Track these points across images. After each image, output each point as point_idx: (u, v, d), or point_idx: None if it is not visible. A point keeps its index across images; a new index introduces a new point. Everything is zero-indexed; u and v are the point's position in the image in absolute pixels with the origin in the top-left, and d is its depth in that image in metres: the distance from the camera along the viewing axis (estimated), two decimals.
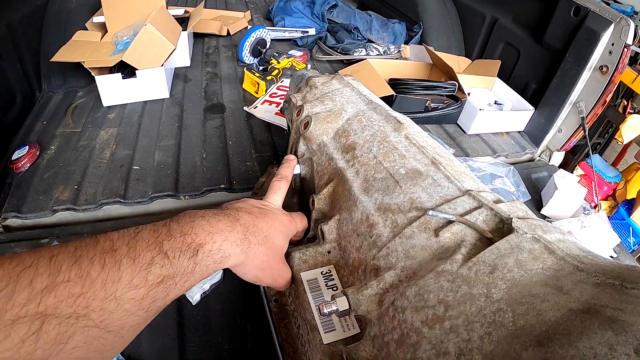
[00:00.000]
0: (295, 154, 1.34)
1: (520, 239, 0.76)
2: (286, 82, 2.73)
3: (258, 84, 2.63)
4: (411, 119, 1.34)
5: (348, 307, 0.83)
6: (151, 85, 2.51)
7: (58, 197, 1.86)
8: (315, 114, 1.29)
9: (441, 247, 0.82)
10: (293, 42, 3.53)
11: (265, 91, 2.64)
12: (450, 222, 0.85)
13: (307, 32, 3.52)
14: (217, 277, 1.55)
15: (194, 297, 1.50)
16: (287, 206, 1.52)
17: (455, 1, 3.42)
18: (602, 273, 0.66)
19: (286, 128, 2.33)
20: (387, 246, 0.89)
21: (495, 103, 2.76)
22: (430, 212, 0.86)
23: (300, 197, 1.44)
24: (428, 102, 2.49)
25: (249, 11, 3.97)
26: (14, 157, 2.00)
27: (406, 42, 3.41)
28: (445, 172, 1.01)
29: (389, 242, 0.89)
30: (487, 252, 0.75)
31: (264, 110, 2.49)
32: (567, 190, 2.00)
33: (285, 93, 2.60)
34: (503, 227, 0.83)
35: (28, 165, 2.00)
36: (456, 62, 3.10)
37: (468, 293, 0.70)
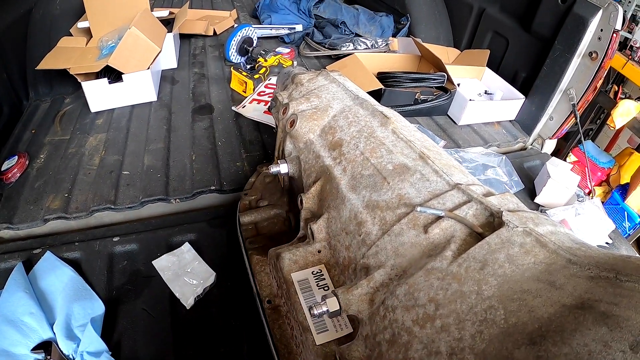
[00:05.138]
0: (283, 153, 1.33)
1: (511, 232, 0.75)
2: (274, 80, 2.71)
3: (246, 83, 2.61)
4: (401, 112, 1.33)
5: (339, 308, 0.82)
6: (138, 88, 2.49)
7: (49, 206, 1.84)
8: (301, 112, 1.28)
9: (431, 244, 0.81)
10: (280, 40, 3.52)
11: (253, 90, 2.63)
12: (439, 217, 0.84)
13: (294, 28, 3.50)
14: (211, 280, 1.54)
15: (188, 301, 1.48)
16: (277, 206, 1.51)
17: None
18: (596, 265, 0.65)
19: (275, 126, 2.32)
20: (376, 244, 0.88)
21: (486, 93, 2.75)
22: (419, 209, 0.84)
23: (289, 196, 1.43)
24: (417, 94, 2.48)
25: (235, 10, 3.95)
26: (4, 167, 1.98)
27: (394, 35, 3.40)
28: (434, 166, 0.99)
29: (378, 239, 0.88)
30: (477, 248, 0.74)
31: (253, 109, 2.48)
32: (560, 178, 2.00)
33: (273, 91, 2.58)
34: (493, 221, 0.82)
35: (18, 175, 1.98)
36: (445, 53, 3.09)
37: (458, 291, 0.68)
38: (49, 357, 1.33)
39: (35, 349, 1.33)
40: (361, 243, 0.92)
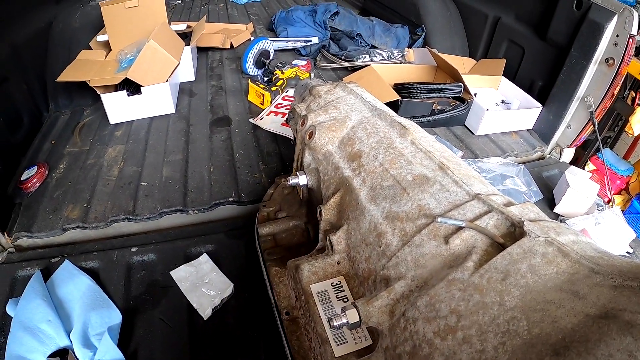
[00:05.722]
0: (301, 164, 1.33)
1: (532, 242, 0.74)
2: (291, 92, 2.73)
3: (263, 95, 2.63)
4: (418, 123, 1.32)
5: (358, 320, 0.81)
6: (157, 101, 2.52)
7: (68, 215, 1.87)
8: (320, 123, 1.28)
9: (452, 255, 0.81)
10: (296, 52, 3.54)
11: (271, 102, 2.65)
12: (460, 228, 0.83)
13: (310, 40, 3.52)
14: (229, 291, 1.54)
15: (206, 311, 1.49)
16: (295, 217, 1.51)
17: (456, 2, 3.40)
18: (619, 274, 0.64)
19: (292, 138, 2.33)
20: (397, 255, 0.87)
21: (502, 102, 2.73)
22: (439, 219, 0.84)
23: (308, 207, 1.43)
24: (434, 105, 2.47)
25: (251, 23, 3.99)
26: (24, 177, 2.02)
27: (409, 46, 3.40)
28: (454, 177, 0.99)
29: (398, 251, 0.88)
30: (498, 258, 0.73)
31: (270, 122, 2.49)
32: (580, 187, 1.97)
33: (290, 103, 2.60)
34: (515, 231, 0.81)
35: (37, 185, 2.02)
36: (461, 63, 3.08)
37: (480, 302, 0.68)
38: None
39: (51, 356, 1.35)
40: (381, 254, 0.92)
